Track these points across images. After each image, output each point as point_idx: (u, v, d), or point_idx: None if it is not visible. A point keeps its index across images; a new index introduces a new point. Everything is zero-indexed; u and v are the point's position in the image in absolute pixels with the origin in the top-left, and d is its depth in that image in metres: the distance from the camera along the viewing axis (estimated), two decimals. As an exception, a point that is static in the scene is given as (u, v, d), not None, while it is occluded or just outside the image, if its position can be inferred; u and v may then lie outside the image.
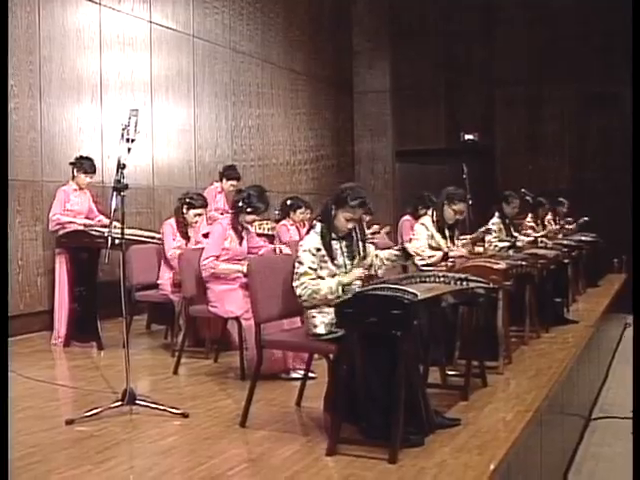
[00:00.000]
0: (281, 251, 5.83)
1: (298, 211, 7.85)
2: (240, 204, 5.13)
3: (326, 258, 3.70)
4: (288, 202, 7.91)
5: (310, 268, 3.65)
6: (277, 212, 8.02)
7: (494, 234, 6.93)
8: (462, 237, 5.73)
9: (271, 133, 10.86)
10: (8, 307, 5.85)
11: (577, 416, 5.79)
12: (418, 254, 4.39)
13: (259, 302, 3.79)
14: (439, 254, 5.31)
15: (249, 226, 5.37)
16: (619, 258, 10.98)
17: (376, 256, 3.95)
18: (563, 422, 5.02)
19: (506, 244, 6.88)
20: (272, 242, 7.18)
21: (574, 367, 5.31)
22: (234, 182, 7.75)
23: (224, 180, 7.76)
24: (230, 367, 5.12)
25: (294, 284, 3.65)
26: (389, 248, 4.16)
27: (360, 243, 3.89)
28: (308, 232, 3.81)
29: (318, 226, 3.77)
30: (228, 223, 5.19)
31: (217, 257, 5.09)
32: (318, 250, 3.69)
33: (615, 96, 11.33)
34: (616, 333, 8.79)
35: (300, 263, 3.66)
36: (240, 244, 5.23)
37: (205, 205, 6.17)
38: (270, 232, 7.64)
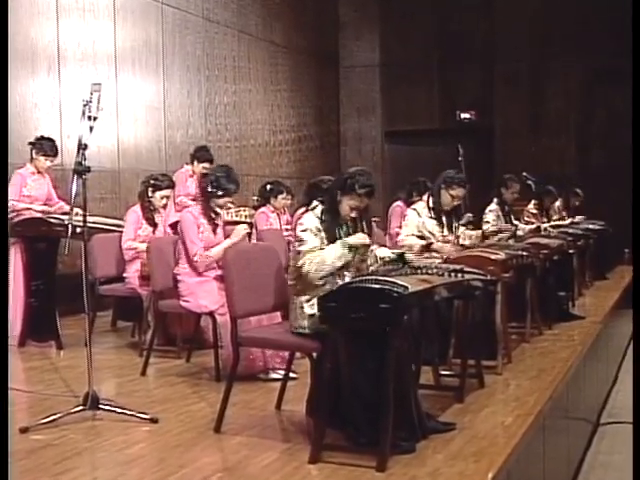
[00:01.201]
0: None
1: (279, 197, 7.85)
2: (209, 189, 5.14)
3: (324, 243, 3.71)
4: (268, 187, 7.91)
5: (314, 246, 3.66)
6: (256, 198, 8.01)
7: (492, 222, 6.97)
8: (465, 228, 5.74)
9: (248, 111, 10.84)
10: (8, 308, 5.84)
11: (584, 421, 5.84)
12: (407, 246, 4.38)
13: (235, 296, 3.79)
14: (420, 242, 5.31)
15: (224, 213, 5.38)
16: (630, 248, 11.06)
17: (371, 251, 3.95)
18: (568, 427, 5.07)
19: (506, 233, 6.91)
20: (251, 231, 7.16)
21: (580, 367, 5.35)
22: (207, 165, 7.70)
23: (196, 163, 7.70)
24: (204, 367, 5.12)
25: (299, 263, 3.65)
26: (384, 245, 4.16)
27: (365, 230, 3.87)
28: (306, 212, 3.82)
29: (318, 208, 3.78)
30: (200, 212, 5.19)
31: (202, 248, 5.10)
32: (318, 231, 3.71)
33: (624, 71, 11.37)
34: (627, 330, 8.85)
35: (301, 241, 3.68)
36: (214, 232, 5.22)
37: (172, 186, 6.17)
38: (249, 220, 7.62)
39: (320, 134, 12.81)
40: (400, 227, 5.51)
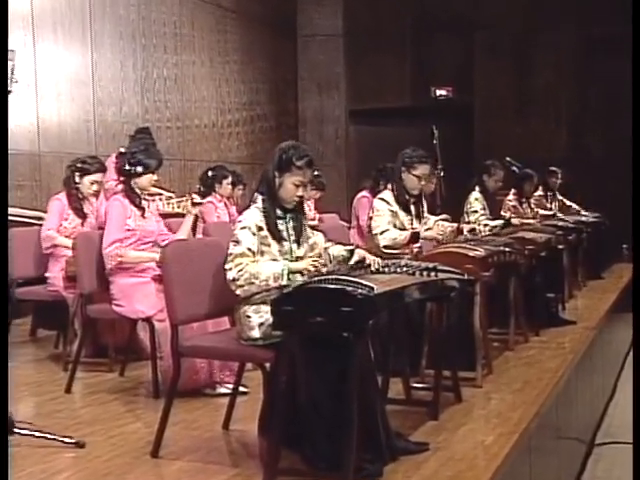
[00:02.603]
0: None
1: (224, 182, 7.87)
2: (127, 167, 5.17)
3: (269, 240, 3.73)
4: (210, 173, 7.94)
5: (249, 249, 3.67)
6: (199, 186, 8.01)
7: (480, 212, 7.03)
8: (434, 216, 5.78)
9: (192, 86, 10.80)
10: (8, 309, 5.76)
11: (576, 440, 5.92)
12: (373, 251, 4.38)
13: (176, 299, 3.79)
14: (405, 234, 5.36)
15: (158, 202, 5.39)
16: (630, 244, 11.20)
17: (325, 249, 3.97)
18: (559, 448, 5.13)
19: (498, 222, 6.98)
20: (196, 224, 7.15)
21: (572, 379, 5.43)
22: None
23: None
24: (139, 382, 5.12)
25: (226, 266, 3.67)
26: (342, 243, 4.18)
27: (308, 227, 3.93)
28: (249, 207, 3.83)
29: (259, 199, 3.80)
30: (124, 196, 5.21)
31: (122, 241, 5.08)
32: (260, 229, 3.73)
33: (623, 39, 11.51)
34: (625, 336, 8.98)
35: (236, 242, 3.69)
36: (143, 217, 5.23)
37: (103, 170, 6.14)
38: (194, 211, 7.60)
39: (275, 113, 12.82)
40: (370, 220, 5.52)
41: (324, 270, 3.86)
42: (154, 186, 5.45)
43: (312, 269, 3.68)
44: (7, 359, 3.34)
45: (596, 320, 7.03)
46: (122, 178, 5.30)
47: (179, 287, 3.81)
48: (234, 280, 3.65)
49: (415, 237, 5.42)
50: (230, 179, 7.96)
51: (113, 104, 9.35)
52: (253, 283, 3.64)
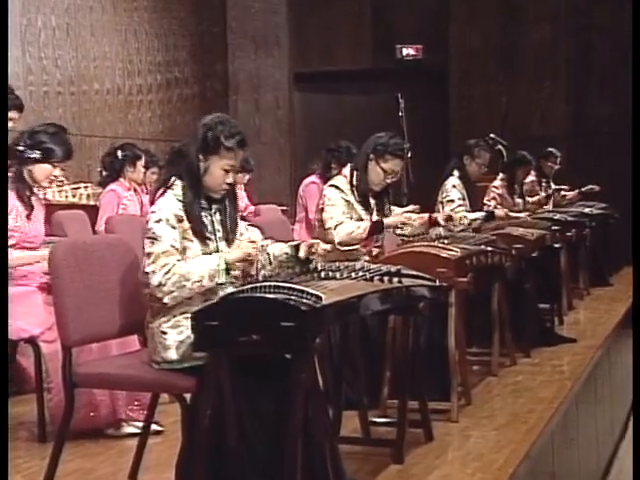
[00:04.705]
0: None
1: (138, 165, 7.82)
2: (21, 148, 5.06)
3: (190, 235, 3.75)
4: (118, 153, 7.87)
5: (172, 246, 3.70)
6: (101, 170, 7.97)
7: (458, 202, 7.08)
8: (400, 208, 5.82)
9: (90, 40, 10.74)
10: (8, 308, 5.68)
11: (578, 490, 5.98)
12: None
13: (68, 313, 3.78)
14: (363, 224, 5.39)
15: (53, 192, 5.35)
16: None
17: (262, 248, 3.99)
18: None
19: (479, 215, 7.03)
20: (94, 219, 7.14)
21: (571, 411, 5.50)
22: (14, 114, 7.41)
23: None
24: (20, 422, 5.05)
25: (148, 269, 3.69)
26: (284, 241, 4.21)
27: (237, 219, 3.96)
28: (163, 194, 3.85)
29: (178, 186, 3.83)
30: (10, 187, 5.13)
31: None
32: (180, 221, 3.75)
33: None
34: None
35: (154, 239, 3.70)
36: (29, 218, 5.14)
37: None
38: (93, 202, 7.59)
39: (199, 77, 12.78)
40: (322, 212, 5.54)
41: (264, 274, 3.89)
42: (51, 182, 5.38)
43: (253, 253, 3.74)
44: (7, 359, 3.33)
45: (602, 338, 7.10)
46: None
47: (73, 298, 3.80)
48: (160, 285, 3.66)
49: (378, 227, 5.46)
50: (142, 161, 7.91)
51: (-15, 62, 9.27)
52: (184, 286, 3.66)
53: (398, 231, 5.76)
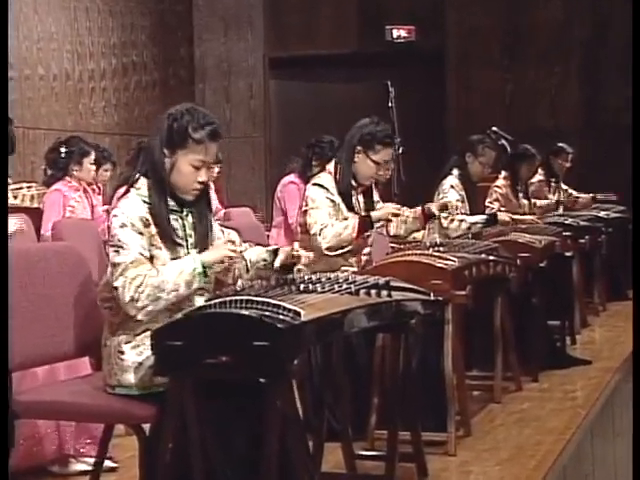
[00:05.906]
0: None
1: (84, 161, 7.82)
2: None
3: (158, 241, 3.77)
4: (63, 149, 7.86)
5: (141, 254, 3.70)
6: (46, 168, 7.96)
7: (455, 203, 7.11)
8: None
9: (33, 19, 10.74)
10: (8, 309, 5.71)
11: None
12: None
13: (11, 332, 3.76)
14: (350, 223, 5.40)
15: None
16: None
17: (240, 252, 4.00)
18: None
19: (479, 218, 7.05)
20: (39, 223, 7.13)
21: (585, 443, 5.50)
22: None
23: None
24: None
25: (116, 284, 3.69)
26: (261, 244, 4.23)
27: (211, 222, 3.99)
28: (125, 194, 3.86)
29: (144, 185, 3.85)
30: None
31: None
32: (147, 225, 3.76)
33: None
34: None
35: (120, 247, 3.71)
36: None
37: None
38: (37, 204, 7.57)
39: (161, 61, 12.80)
40: (305, 214, 5.56)
41: (241, 283, 3.91)
42: None
43: (232, 255, 3.77)
44: (7, 359, 3.34)
45: (620, 359, 7.10)
46: None
47: (16, 314, 3.77)
48: (133, 301, 3.67)
49: (367, 224, 5.48)
50: (92, 157, 7.91)
51: None
52: (159, 298, 3.67)
53: (392, 231, 5.78)
